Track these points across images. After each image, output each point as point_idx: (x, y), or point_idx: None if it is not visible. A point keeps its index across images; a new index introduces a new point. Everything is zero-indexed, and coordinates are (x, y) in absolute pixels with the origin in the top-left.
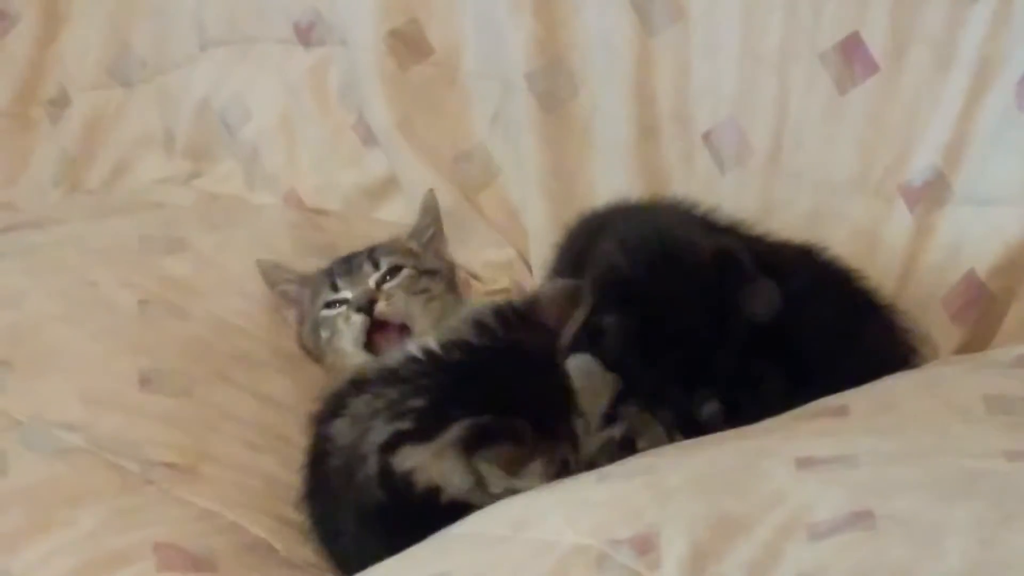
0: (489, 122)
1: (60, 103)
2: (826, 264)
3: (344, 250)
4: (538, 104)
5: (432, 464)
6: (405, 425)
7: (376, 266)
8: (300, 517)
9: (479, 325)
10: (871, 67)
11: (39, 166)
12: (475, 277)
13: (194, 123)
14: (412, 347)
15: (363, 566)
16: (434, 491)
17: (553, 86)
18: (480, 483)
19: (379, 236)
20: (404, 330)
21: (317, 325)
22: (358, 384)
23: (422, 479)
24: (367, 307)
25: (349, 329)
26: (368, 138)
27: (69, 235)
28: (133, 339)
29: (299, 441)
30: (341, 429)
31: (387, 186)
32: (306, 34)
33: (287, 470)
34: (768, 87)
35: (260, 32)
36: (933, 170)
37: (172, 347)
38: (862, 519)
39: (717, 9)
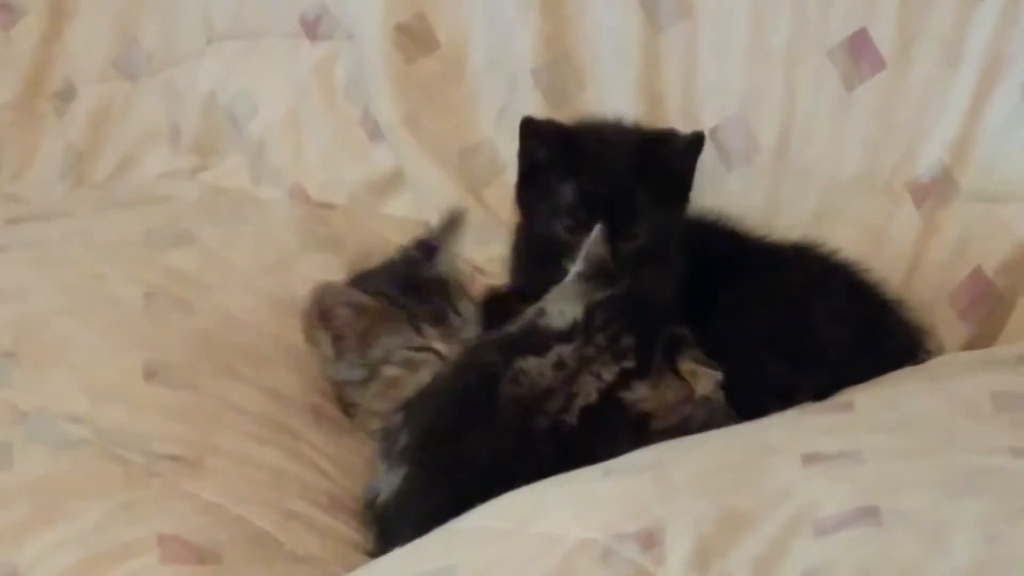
0: (496, 117)
1: (66, 96)
2: (827, 259)
3: (350, 245)
4: (545, 100)
5: (654, 394)
6: (629, 364)
7: (456, 311)
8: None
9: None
10: (879, 64)
11: (45, 160)
12: (480, 272)
13: (200, 117)
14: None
15: (473, 486)
16: (644, 419)
17: (560, 82)
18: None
19: (385, 231)
20: None
21: (380, 364)
22: (554, 335)
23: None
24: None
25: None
26: (374, 133)
27: (75, 228)
28: (139, 332)
29: (305, 434)
30: (538, 367)
31: (393, 181)
32: (312, 28)
33: (293, 463)
34: (776, 84)
35: (267, 26)
36: (941, 167)
37: (178, 340)
38: (868, 515)
39: (725, 6)
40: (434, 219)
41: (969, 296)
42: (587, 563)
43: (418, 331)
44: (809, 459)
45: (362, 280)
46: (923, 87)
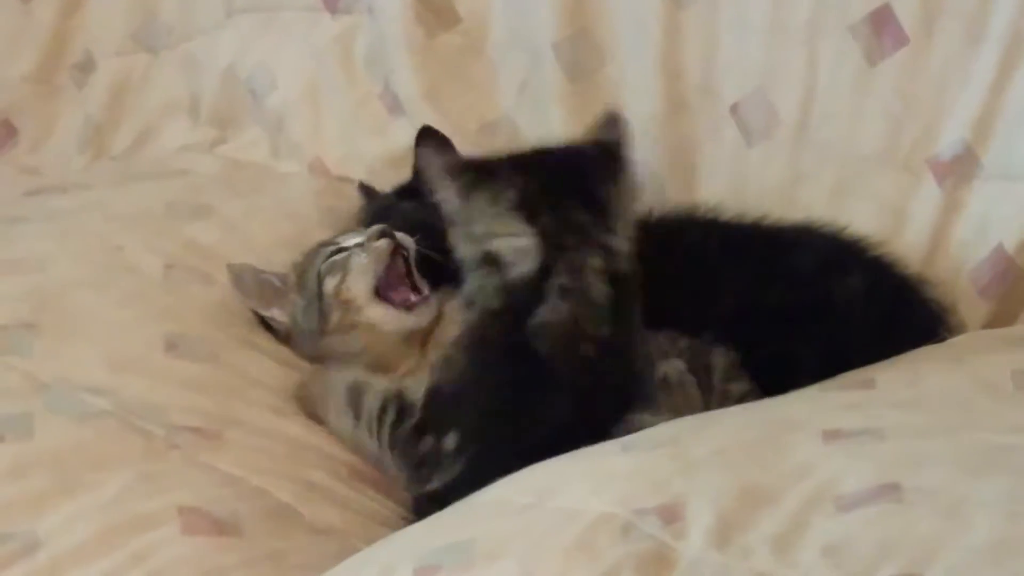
0: (516, 92)
1: (85, 69)
2: (838, 237)
3: None
4: (565, 75)
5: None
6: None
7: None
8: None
9: None
10: (901, 39)
11: (64, 132)
12: None
13: (220, 90)
14: None
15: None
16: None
17: (581, 57)
18: None
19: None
20: (413, 293)
21: (317, 289)
22: (535, 278)
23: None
24: (389, 233)
25: (370, 259)
26: (394, 107)
27: (95, 200)
28: (159, 304)
29: None
30: (549, 309)
31: (412, 155)
32: (333, 2)
33: (312, 435)
34: (797, 59)
35: None
36: (962, 144)
37: (197, 313)
38: (889, 492)
39: None
40: None
41: (990, 274)
42: (607, 537)
43: (332, 242)
44: (830, 436)
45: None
46: (945, 63)
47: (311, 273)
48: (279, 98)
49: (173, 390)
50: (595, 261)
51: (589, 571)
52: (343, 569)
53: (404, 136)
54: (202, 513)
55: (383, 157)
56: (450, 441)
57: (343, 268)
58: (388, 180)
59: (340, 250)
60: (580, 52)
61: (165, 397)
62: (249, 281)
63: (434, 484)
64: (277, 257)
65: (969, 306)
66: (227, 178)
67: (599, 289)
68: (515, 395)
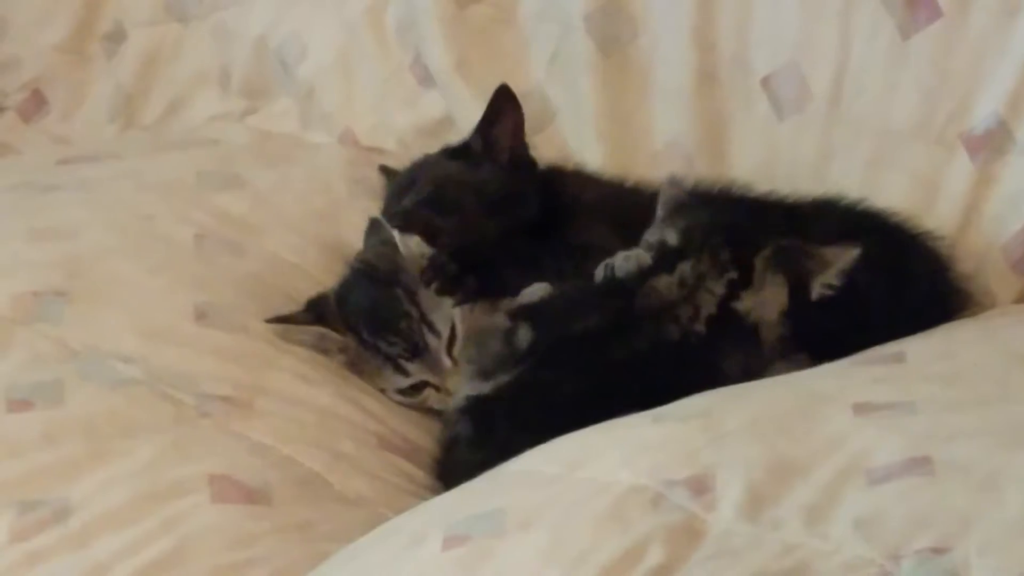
0: (547, 64)
1: (116, 38)
2: (865, 212)
3: None
4: (596, 47)
5: (762, 302)
6: (732, 275)
7: (433, 329)
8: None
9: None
10: (935, 12)
11: (95, 101)
12: None
13: (250, 60)
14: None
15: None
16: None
17: (612, 29)
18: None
19: None
20: None
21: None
22: (676, 252)
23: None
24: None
25: (444, 403)
26: (425, 78)
27: (125, 169)
28: (189, 273)
29: (354, 376)
30: (668, 284)
31: (443, 127)
32: None
33: (342, 404)
34: (830, 32)
35: None
36: (996, 119)
37: (228, 282)
38: (921, 465)
39: None
40: None
41: (1022, 249)
42: (637, 508)
43: (403, 372)
44: (860, 408)
45: (325, 304)
46: (980, 37)
47: (378, 382)
48: (310, 68)
49: (204, 359)
50: (718, 287)
51: (619, 542)
52: (372, 538)
53: (435, 107)
54: (232, 481)
55: (414, 128)
56: (523, 336)
57: (418, 401)
58: (419, 151)
59: (411, 388)
60: (612, 23)
61: (196, 366)
62: (295, 337)
63: (496, 377)
64: (308, 228)
65: (1001, 281)
66: (257, 148)
67: (709, 307)
68: (595, 323)
